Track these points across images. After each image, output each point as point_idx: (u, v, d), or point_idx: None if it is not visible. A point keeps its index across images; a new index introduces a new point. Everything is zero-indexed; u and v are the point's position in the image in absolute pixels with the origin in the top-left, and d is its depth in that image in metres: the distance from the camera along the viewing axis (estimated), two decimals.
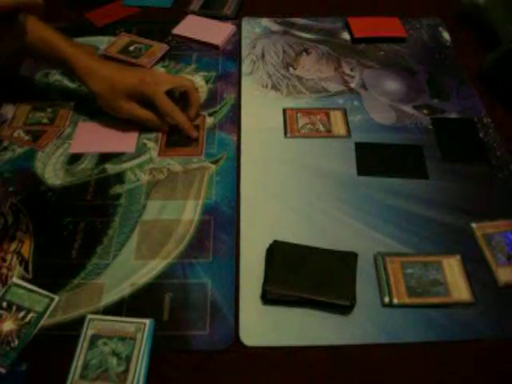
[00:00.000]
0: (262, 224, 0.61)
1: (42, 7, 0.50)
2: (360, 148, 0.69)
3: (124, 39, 0.86)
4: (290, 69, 0.82)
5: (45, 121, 0.73)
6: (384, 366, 0.51)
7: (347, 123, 0.73)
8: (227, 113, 0.75)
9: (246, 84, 0.79)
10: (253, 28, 0.90)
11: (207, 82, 0.79)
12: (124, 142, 0.70)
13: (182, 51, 0.85)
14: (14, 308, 0.53)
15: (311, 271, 0.55)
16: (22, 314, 0.53)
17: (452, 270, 0.57)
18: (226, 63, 0.83)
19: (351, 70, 0.82)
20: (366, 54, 0.85)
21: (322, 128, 0.73)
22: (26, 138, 0.71)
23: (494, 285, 0.56)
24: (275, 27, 0.90)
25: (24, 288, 0.55)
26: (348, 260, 0.57)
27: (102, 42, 0.86)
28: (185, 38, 0.87)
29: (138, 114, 0.69)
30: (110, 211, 0.63)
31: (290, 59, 0.84)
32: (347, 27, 0.89)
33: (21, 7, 0.49)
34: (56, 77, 0.80)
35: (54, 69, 0.80)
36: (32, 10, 0.50)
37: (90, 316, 0.52)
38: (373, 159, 0.68)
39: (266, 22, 0.91)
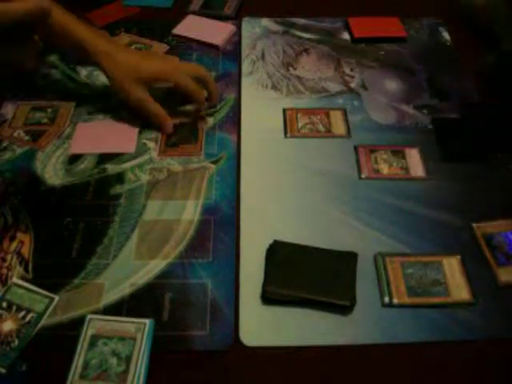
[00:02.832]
0: (262, 224, 0.61)
1: (50, 11, 0.49)
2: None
3: (124, 39, 0.86)
4: (290, 69, 0.82)
5: (45, 121, 0.73)
6: (384, 366, 0.51)
7: (347, 123, 0.73)
8: (227, 113, 0.75)
9: (246, 84, 0.79)
10: (253, 28, 0.90)
11: None
12: (124, 142, 0.70)
13: (182, 51, 0.85)
14: (14, 308, 0.53)
15: (311, 271, 0.55)
16: (22, 314, 0.53)
17: (452, 269, 0.57)
18: (225, 63, 0.83)
19: (351, 70, 0.82)
20: (366, 54, 0.85)
21: (321, 128, 0.73)
22: (26, 138, 0.71)
23: (494, 285, 0.56)
24: (275, 27, 0.90)
25: (24, 288, 0.55)
26: (348, 260, 0.57)
27: None
28: (185, 38, 0.87)
29: (148, 105, 0.70)
30: (110, 211, 0.62)
31: (290, 59, 0.84)
32: (347, 27, 0.89)
33: (29, 16, 0.48)
34: (56, 77, 0.80)
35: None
36: (40, 17, 0.49)
37: (89, 316, 0.52)
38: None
39: (265, 21, 0.91)
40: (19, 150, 0.69)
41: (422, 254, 0.58)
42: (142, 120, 0.72)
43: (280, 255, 0.57)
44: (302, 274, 0.55)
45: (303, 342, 0.52)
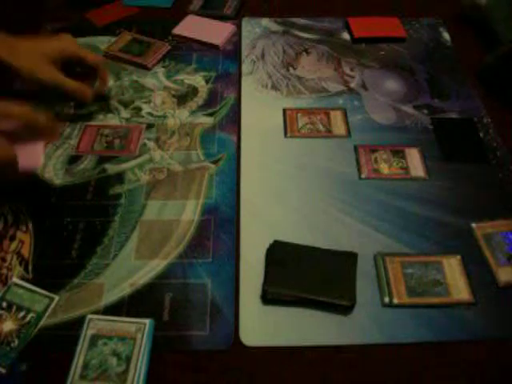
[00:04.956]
0: (262, 224, 0.61)
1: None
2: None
3: (126, 37, 0.86)
4: (290, 69, 0.82)
5: None
6: (384, 366, 0.51)
7: (347, 123, 0.73)
8: (227, 113, 0.75)
9: (246, 84, 0.79)
10: (253, 28, 0.90)
11: (207, 82, 0.79)
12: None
13: (182, 51, 0.85)
14: (14, 308, 0.53)
15: (311, 271, 0.55)
16: (22, 314, 0.53)
17: (452, 270, 0.57)
18: (226, 63, 0.83)
19: (351, 70, 0.82)
20: (366, 54, 0.85)
21: (322, 128, 0.73)
22: None
23: (494, 285, 0.56)
24: (275, 27, 0.90)
25: (24, 288, 0.55)
26: (348, 260, 0.57)
27: (103, 41, 0.85)
28: (185, 37, 0.87)
29: (63, 81, 0.68)
30: (110, 211, 0.62)
31: (290, 59, 0.84)
32: (347, 27, 0.89)
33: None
34: None
35: None
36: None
37: (89, 316, 0.52)
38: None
39: (266, 21, 0.91)
40: None
41: (422, 254, 0.58)
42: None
43: (280, 255, 0.57)
44: (302, 274, 0.55)
45: (303, 342, 0.52)
